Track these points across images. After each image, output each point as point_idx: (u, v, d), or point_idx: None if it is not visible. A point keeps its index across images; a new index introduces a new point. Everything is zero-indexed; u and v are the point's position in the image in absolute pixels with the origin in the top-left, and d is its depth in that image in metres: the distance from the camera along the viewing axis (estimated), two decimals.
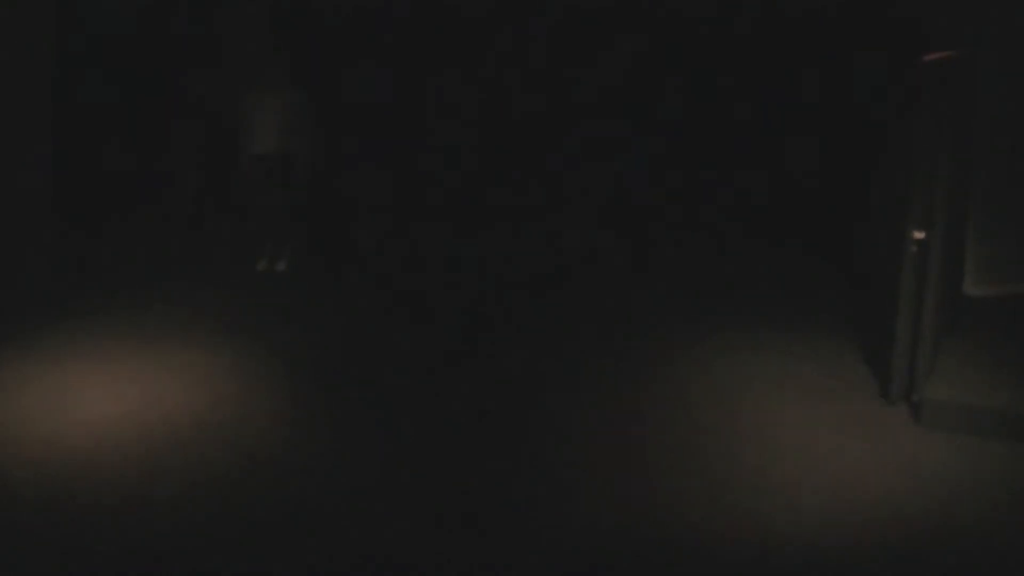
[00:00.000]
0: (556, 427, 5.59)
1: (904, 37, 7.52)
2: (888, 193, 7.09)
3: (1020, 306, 6.95)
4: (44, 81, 8.63)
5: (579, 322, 7.40)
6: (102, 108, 9.30)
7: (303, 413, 5.76)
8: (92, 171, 9.25)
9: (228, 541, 4.40)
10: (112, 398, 5.84)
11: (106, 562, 4.25)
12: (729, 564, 4.26)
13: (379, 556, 4.31)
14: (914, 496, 4.74)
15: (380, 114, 9.75)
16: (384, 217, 9.74)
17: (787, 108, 9.13)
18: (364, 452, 5.28)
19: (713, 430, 5.47)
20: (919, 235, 5.51)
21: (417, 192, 9.82)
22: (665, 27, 9.35)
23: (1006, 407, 5.42)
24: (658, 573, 4.24)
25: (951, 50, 5.67)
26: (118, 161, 9.44)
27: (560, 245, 9.22)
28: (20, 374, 6.18)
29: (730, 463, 5.09)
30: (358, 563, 4.27)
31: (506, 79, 9.62)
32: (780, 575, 4.20)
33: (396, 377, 6.30)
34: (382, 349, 6.78)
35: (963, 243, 6.97)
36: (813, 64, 8.96)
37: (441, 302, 7.81)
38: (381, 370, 6.41)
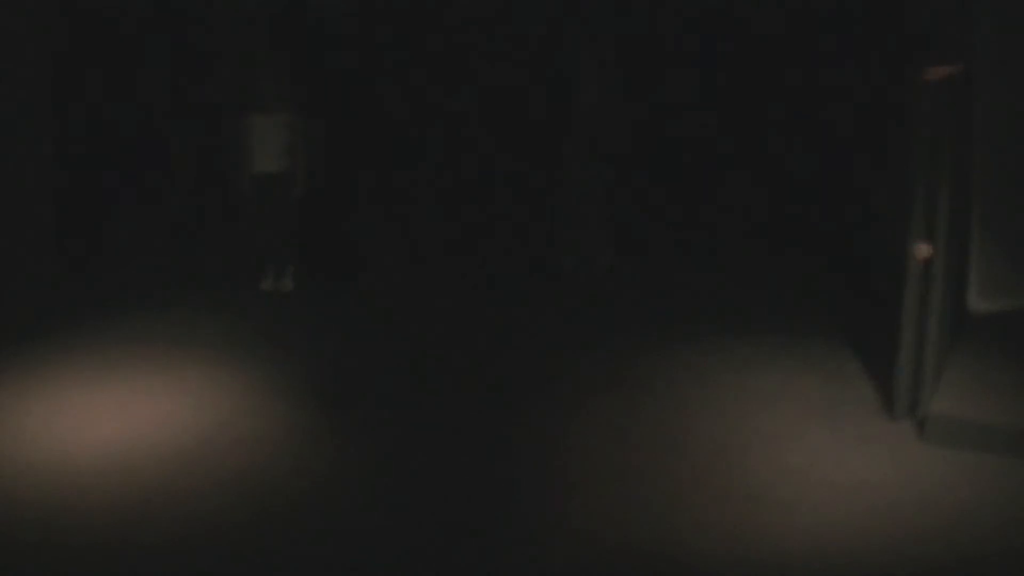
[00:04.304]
0: (553, 439, 5.60)
1: (907, 46, 7.55)
2: (892, 205, 7.10)
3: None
4: (45, 86, 8.69)
5: (575, 330, 7.42)
6: (103, 114, 9.35)
7: (313, 433, 5.78)
8: (93, 181, 9.30)
9: (239, 564, 4.41)
10: (120, 418, 5.86)
11: None
12: None
13: (384, 571, 4.33)
14: (918, 512, 4.74)
15: (382, 122, 9.80)
16: (383, 227, 9.78)
17: (792, 115, 9.15)
18: (371, 469, 5.29)
19: (712, 444, 5.48)
20: (922, 250, 5.53)
21: (417, 197, 9.86)
22: (666, 27, 9.38)
23: (1012, 423, 5.41)
24: None
25: (953, 63, 5.69)
26: (120, 169, 9.50)
27: (558, 249, 9.24)
28: (25, 394, 6.21)
29: (731, 478, 5.10)
30: None
31: (506, 80, 9.66)
32: None
33: (403, 393, 6.32)
34: (389, 365, 6.81)
35: (966, 258, 6.97)
36: (815, 70, 8.99)
37: (445, 313, 7.84)
38: (388, 387, 6.43)
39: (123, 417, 5.87)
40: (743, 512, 4.76)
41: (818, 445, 5.44)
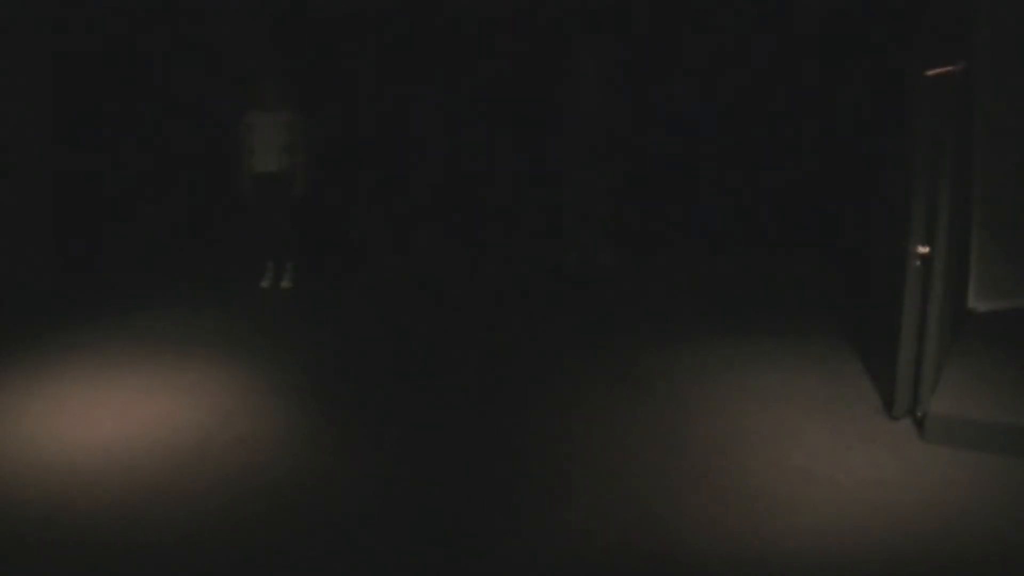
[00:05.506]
0: (554, 438, 5.60)
1: (907, 46, 7.56)
2: (892, 205, 7.11)
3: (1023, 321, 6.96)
4: (45, 85, 8.71)
5: (575, 329, 7.42)
6: (102, 113, 9.36)
7: (311, 430, 5.79)
8: (91, 180, 9.31)
9: (239, 563, 4.41)
10: (120, 417, 5.86)
11: None
12: None
13: (384, 570, 4.33)
14: (919, 511, 4.74)
15: (381, 122, 9.81)
16: (383, 226, 9.80)
17: (792, 114, 9.16)
18: (371, 469, 5.29)
19: (713, 444, 5.48)
20: (922, 250, 5.53)
21: (415, 197, 9.87)
22: (667, 27, 9.39)
23: (1012, 422, 5.41)
24: None
25: (953, 63, 5.69)
26: (120, 169, 9.51)
27: (557, 248, 9.25)
28: (26, 394, 6.21)
29: (730, 477, 5.09)
30: None
31: (506, 79, 9.67)
32: None
33: (402, 390, 6.33)
34: (389, 364, 6.82)
35: (966, 257, 6.98)
36: (815, 69, 9.00)
37: (445, 312, 7.85)
38: (389, 386, 6.44)
39: (123, 416, 5.87)
40: (743, 512, 4.75)
41: (818, 444, 5.45)
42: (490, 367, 6.72)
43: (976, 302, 7.16)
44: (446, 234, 9.76)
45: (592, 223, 9.29)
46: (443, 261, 9.38)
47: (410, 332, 7.48)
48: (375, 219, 9.93)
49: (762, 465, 5.22)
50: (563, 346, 7.12)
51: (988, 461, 5.21)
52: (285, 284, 8.56)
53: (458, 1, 9.65)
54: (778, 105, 9.21)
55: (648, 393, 6.20)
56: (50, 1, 8.75)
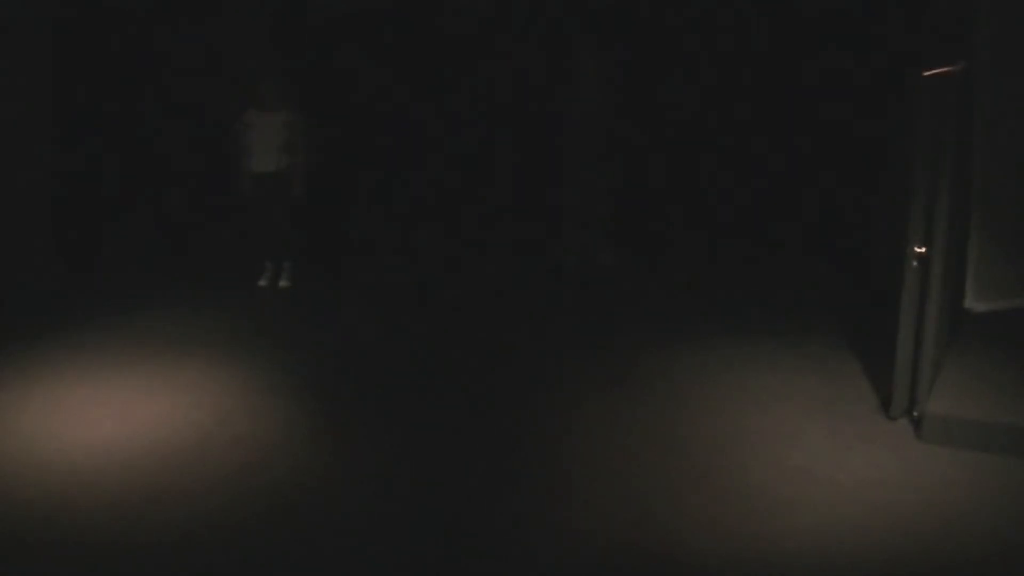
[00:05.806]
0: (554, 439, 5.61)
1: (907, 46, 7.56)
2: (890, 205, 7.11)
3: (1021, 321, 6.95)
4: (45, 87, 8.71)
5: (575, 330, 7.42)
6: (102, 113, 9.36)
7: (311, 429, 5.79)
8: (91, 180, 9.31)
9: (238, 563, 4.42)
10: (120, 416, 5.87)
11: None
12: None
13: (383, 570, 4.33)
14: (918, 511, 4.75)
15: (382, 122, 9.82)
16: (383, 226, 9.79)
17: (792, 114, 9.16)
18: (371, 469, 5.30)
19: (713, 444, 5.49)
20: (920, 250, 5.53)
21: (415, 197, 9.88)
22: (668, 29, 9.39)
23: (1009, 422, 5.42)
24: None
25: (953, 63, 5.70)
26: (120, 169, 9.51)
27: (557, 248, 9.25)
28: (26, 393, 6.21)
29: (730, 478, 5.10)
30: None
31: (506, 79, 9.67)
32: None
33: (401, 390, 6.33)
34: (389, 364, 6.82)
35: (964, 258, 6.98)
36: (815, 69, 9.00)
37: (445, 312, 7.85)
38: (388, 386, 6.44)
39: (123, 415, 5.87)
40: (743, 511, 4.76)
41: (818, 444, 5.45)
42: (490, 367, 6.72)
43: (974, 302, 7.16)
44: (446, 234, 9.75)
45: (592, 223, 9.28)
46: (443, 261, 9.38)
47: (410, 332, 7.48)
48: (375, 219, 9.92)
49: (762, 465, 5.22)
50: (563, 346, 7.12)
51: (987, 461, 5.22)
52: (283, 283, 8.56)
53: (458, 1, 9.65)
54: (778, 105, 9.20)
55: (648, 393, 6.20)
56: (50, 1, 8.75)
